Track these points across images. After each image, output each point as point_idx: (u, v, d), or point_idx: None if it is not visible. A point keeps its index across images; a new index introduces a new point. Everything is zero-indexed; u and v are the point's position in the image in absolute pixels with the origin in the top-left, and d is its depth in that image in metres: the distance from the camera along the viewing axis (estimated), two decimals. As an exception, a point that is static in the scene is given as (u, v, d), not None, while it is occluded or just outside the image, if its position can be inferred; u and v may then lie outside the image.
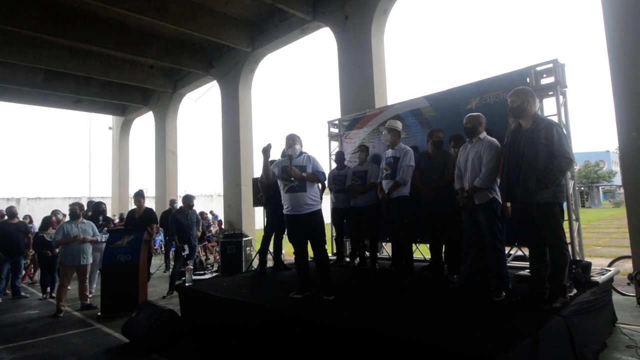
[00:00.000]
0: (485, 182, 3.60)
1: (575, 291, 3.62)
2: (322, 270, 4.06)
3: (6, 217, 7.42)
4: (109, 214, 10.13)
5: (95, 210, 7.97)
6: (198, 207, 13.03)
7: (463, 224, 3.94)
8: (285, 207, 4.11)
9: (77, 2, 8.76)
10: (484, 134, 3.78)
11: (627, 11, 5.07)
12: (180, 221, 6.94)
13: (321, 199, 4.30)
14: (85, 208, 9.13)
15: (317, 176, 4.10)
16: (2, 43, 10.50)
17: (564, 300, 3.20)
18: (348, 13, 8.50)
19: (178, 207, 8.37)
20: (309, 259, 4.19)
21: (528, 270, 3.82)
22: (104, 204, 8.33)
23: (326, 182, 4.13)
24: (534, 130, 3.28)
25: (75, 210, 6.20)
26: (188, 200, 7.24)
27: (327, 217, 4.96)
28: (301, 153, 4.18)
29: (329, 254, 4.38)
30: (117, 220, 13.56)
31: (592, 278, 3.82)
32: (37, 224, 9.28)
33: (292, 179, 4.00)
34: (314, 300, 3.93)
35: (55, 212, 7.59)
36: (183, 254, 6.83)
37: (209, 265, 9.64)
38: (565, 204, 3.93)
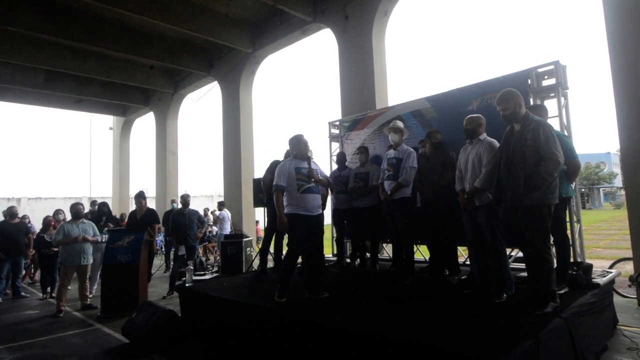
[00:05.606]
0: (485, 183, 3.58)
1: (566, 289, 3.61)
2: (320, 270, 4.10)
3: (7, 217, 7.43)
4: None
5: (99, 211, 8.16)
6: (200, 206, 13.06)
7: (459, 224, 3.93)
8: (295, 208, 3.95)
9: (78, 3, 8.76)
10: (484, 135, 3.78)
11: (628, 13, 5.07)
12: (177, 221, 6.95)
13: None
14: (89, 208, 9.18)
15: (329, 181, 4.13)
16: (3, 43, 10.52)
17: (555, 304, 3.14)
18: (349, 14, 8.50)
19: (177, 208, 8.38)
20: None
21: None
22: (107, 206, 8.45)
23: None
24: (522, 132, 3.25)
25: (79, 210, 6.21)
26: (183, 198, 7.30)
27: (328, 219, 4.96)
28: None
29: (330, 255, 4.40)
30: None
31: (593, 280, 3.81)
32: (36, 223, 9.28)
33: (313, 180, 4.01)
34: (307, 300, 3.95)
35: (57, 212, 7.58)
36: (179, 254, 6.85)
37: (209, 266, 9.64)
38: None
